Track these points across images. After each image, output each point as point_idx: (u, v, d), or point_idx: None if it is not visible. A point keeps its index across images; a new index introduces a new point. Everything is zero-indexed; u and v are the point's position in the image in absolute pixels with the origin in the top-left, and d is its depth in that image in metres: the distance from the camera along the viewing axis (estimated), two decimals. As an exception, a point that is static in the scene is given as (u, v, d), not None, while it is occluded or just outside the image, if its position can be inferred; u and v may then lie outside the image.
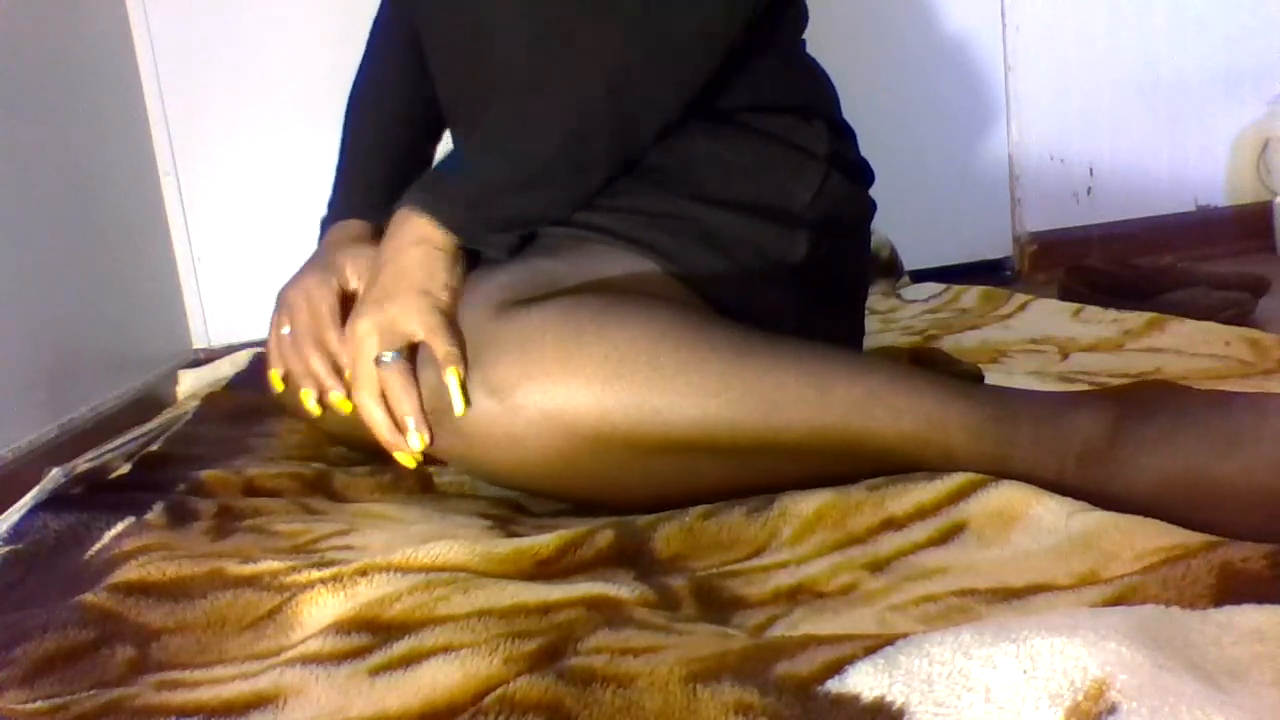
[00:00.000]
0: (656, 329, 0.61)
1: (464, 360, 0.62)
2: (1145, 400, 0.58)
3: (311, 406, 0.74)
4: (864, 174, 0.80)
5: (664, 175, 0.70)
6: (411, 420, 0.63)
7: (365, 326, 0.65)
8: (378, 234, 0.83)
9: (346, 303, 0.76)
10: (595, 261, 0.67)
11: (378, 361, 0.64)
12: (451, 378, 0.61)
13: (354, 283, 0.76)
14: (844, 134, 0.79)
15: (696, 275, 0.69)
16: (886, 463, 0.61)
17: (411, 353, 0.64)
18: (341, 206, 0.87)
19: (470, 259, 0.69)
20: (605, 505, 0.66)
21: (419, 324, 0.64)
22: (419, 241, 0.66)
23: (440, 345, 0.63)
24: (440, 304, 0.65)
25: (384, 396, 0.64)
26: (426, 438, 0.64)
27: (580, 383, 0.59)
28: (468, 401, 0.61)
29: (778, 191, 0.72)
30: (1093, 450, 0.57)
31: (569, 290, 0.64)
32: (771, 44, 0.75)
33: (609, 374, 0.59)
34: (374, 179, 0.88)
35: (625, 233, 0.68)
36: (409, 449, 0.64)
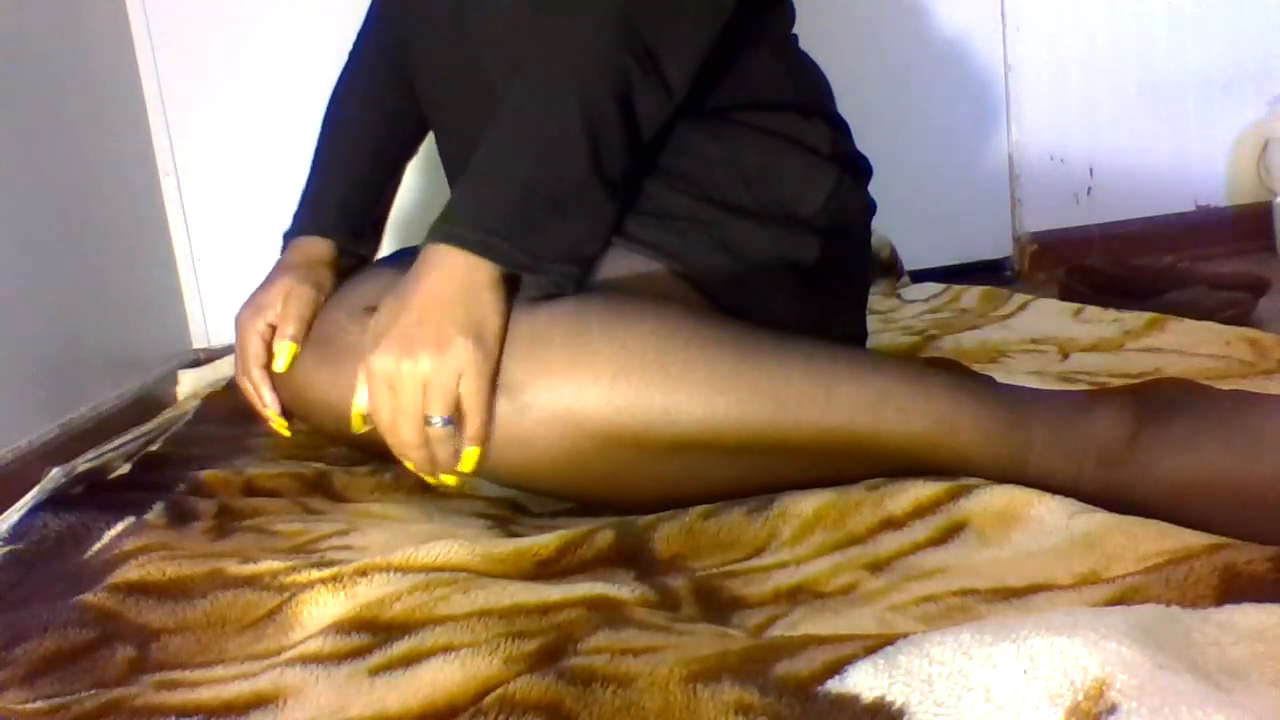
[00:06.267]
0: (665, 327, 0.61)
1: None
2: (1166, 400, 0.57)
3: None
4: (864, 169, 0.80)
5: (678, 179, 0.70)
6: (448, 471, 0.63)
7: (414, 371, 0.59)
8: (338, 254, 0.81)
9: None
10: (606, 263, 0.67)
11: (427, 420, 0.60)
12: (475, 455, 0.61)
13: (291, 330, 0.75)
14: (842, 129, 0.78)
15: (707, 278, 0.69)
16: (896, 465, 0.60)
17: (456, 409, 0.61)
18: (308, 222, 0.83)
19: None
20: (612, 506, 0.65)
21: (472, 389, 0.60)
22: (463, 277, 0.61)
23: (479, 419, 0.60)
24: (494, 357, 0.61)
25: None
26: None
27: (589, 381, 0.59)
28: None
29: (791, 197, 0.71)
30: (1111, 453, 0.56)
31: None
32: (761, 39, 0.75)
33: (617, 372, 0.59)
34: (346, 195, 0.84)
35: (637, 234, 0.68)
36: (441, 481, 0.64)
